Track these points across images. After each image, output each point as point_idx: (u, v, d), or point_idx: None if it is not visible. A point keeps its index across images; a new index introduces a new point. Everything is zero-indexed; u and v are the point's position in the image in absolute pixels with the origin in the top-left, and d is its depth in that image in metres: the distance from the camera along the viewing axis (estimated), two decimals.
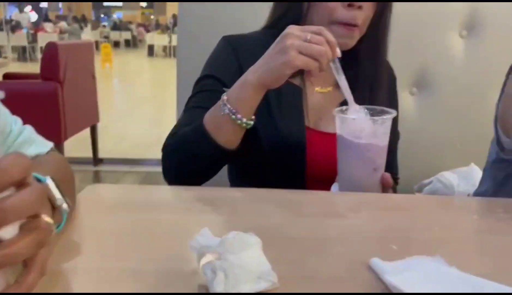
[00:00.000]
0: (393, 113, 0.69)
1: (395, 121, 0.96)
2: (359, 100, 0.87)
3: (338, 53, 0.68)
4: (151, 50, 15.63)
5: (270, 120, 0.84)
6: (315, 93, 0.88)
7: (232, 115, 0.70)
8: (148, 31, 19.22)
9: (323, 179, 0.81)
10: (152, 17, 25.20)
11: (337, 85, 0.89)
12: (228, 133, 0.72)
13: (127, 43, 18.87)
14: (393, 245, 0.49)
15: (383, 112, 0.71)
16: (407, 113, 1.33)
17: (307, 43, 0.65)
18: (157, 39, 16.02)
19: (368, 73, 0.87)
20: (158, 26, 19.90)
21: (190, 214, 0.58)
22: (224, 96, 0.71)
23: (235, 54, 0.83)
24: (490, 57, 1.29)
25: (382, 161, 0.71)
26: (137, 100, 6.81)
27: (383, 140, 0.70)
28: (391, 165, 0.97)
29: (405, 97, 1.33)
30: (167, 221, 0.55)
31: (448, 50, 1.31)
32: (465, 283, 0.41)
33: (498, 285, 0.40)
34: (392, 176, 0.96)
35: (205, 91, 0.82)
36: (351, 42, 0.82)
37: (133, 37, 19.35)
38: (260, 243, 0.42)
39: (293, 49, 0.65)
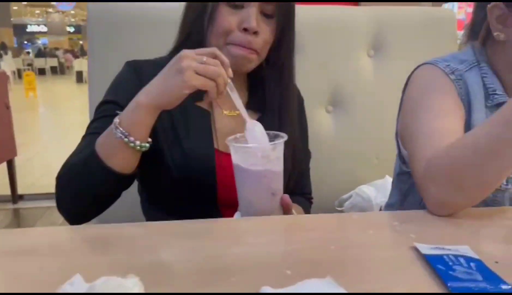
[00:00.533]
0: (285, 137, 0.70)
1: (305, 141, 0.99)
2: (268, 124, 0.88)
3: (230, 73, 0.69)
4: (79, 76, 15.03)
5: (177, 145, 0.82)
6: (224, 116, 0.87)
7: (125, 138, 0.67)
8: (76, 57, 18.52)
9: (236, 203, 0.80)
10: (80, 42, 24.37)
11: (246, 107, 0.90)
12: (122, 158, 0.69)
13: (54, 70, 18.03)
14: (287, 270, 0.48)
15: (276, 137, 0.72)
16: (324, 130, 1.37)
17: (203, 65, 0.66)
18: (86, 65, 15.41)
19: (275, 97, 0.88)
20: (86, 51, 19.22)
21: (79, 256, 0.54)
22: (116, 120, 0.68)
23: (138, 79, 0.81)
24: (395, 74, 1.36)
25: (279, 185, 0.72)
26: (65, 129, 6.47)
27: (278, 165, 0.71)
28: (304, 185, 0.98)
29: (321, 115, 1.37)
30: (49, 266, 0.50)
31: (358, 69, 1.38)
32: None
33: None
34: (305, 196, 0.98)
35: (104, 117, 0.78)
36: (249, 65, 0.83)
37: (60, 63, 18.54)
38: (141, 287, 0.39)
39: (190, 69, 0.64)
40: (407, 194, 0.92)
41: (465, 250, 0.54)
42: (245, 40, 0.79)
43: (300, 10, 1.41)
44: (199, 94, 0.79)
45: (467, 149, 0.62)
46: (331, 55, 1.36)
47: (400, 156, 0.93)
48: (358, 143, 1.38)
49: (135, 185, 0.92)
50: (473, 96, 0.80)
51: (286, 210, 0.72)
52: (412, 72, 0.88)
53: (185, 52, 0.67)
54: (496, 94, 0.79)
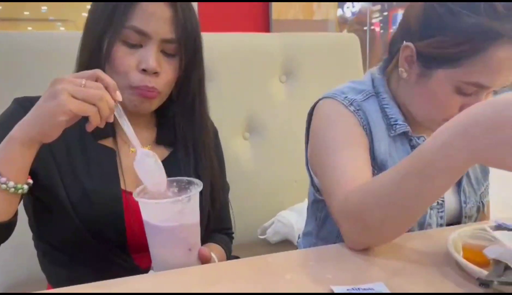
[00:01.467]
0: (200, 186, 0.65)
1: (222, 174, 0.96)
2: (181, 159, 0.84)
3: (118, 96, 0.63)
4: None
5: (79, 188, 0.74)
6: (132, 154, 0.81)
7: None
8: None
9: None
10: None
11: (156, 143, 0.85)
12: None
13: None
14: None
15: (190, 184, 0.67)
16: (242, 158, 1.35)
17: (81, 87, 0.60)
18: None
19: (188, 132, 0.84)
20: None
21: None
22: None
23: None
24: (307, 98, 1.38)
25: (196, 238, 0.67)
26: None
27: (193, 217, 0.66)
28: (224, 220, 0.95)
29: (239, 143, 1.35)
30: None
31: (271, 94, 1.39)
32: None
33: None
34: (225, 232, 0.95)
35: None
36: (151, 107, 0.79)
37: None
38: None
39: (65, 93, 0.58)
40: (324, 221, 0.92)
41: (380, 287, 0.54)
42: (144, 81, 0.74)
43: (211, 37, 1.40)
44: (101, 131, 0.73)
45: (377, 197, 0.61)
46: (245, 82, 1.35)
47: (313, 184, 0.93)
48: (277, 168, 1.38)
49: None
50: (373, 125, 0.81)
51: (204, 263, 0.68)
52: (314, 106, 0.89)
53: (61, 76, 0.60)
54: (397, 124, 0.82)
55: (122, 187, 0.78)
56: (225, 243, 0.89)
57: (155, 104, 0.79)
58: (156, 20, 0.73)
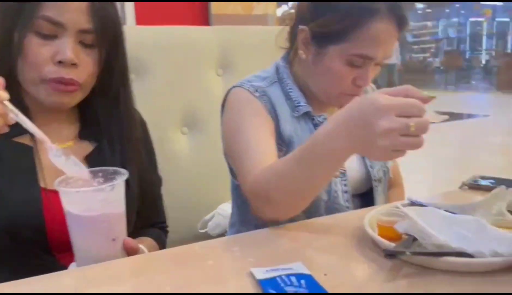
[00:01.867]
0: (125, 175, 0.64)
1: (153, 167, 0.94)
2: (108, 153, 0.81)
3: (4, 96, 0.59)
4: None
5: None
6: None
7: None
8: None
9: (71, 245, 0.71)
10: None
11: (79, 138, 0.82)
12: None
13: None
14: None
15: (116, 173, 0.65)
16: (181, 152, 1.34)
17: None
18: None
19: (113, 125, 0.82)
20: None
21: None
22: None
23: None
24: None
25: (121, 229, 0.66)
26: None
27: (118, 207, 0.64)
28: (157, 215, 0.93)
29: (177, 138, 1.34)
30: None
31: (209, 89, 1.38)
32: None
33: None
34: (159, 226, 0.94)
35: None
36: (71, 101, 0.76)
37: None
38: None
39: None
40: (243, 206, 0.96)
41: (298, 266, 0.55)
42: (59, 73, 0.71)
43: (147, 31, 1.38)
44: (15, 129, 0.69)
45: (280, 177, 0.69)
46: (181, 76, 1.34)
47: (231, 172, 0.97)
48: (216, 163, 1.37)
49: None
50: (278, 109, 0.88)
51: (131, 254, 0.66)
52: (225, 96, 0.94)
53: None
54: (300, 106, 0.89)
55: (42, 185, 0.74)
56: (156, 236, 0.88)
57: (77, 98, 0.76)
58: (71, 9, 0.70)
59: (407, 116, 0.55)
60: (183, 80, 1.34)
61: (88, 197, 0.62)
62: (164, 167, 1.26)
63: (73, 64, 0.72)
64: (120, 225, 0.66)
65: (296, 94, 0.90)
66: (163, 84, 1.31)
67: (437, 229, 0.56)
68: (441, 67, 14.30)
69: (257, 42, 1.46)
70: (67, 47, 0.70)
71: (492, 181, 0.88)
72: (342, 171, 0.89)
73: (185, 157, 1.34)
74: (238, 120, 0.86)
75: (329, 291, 0.49)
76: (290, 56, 0.94)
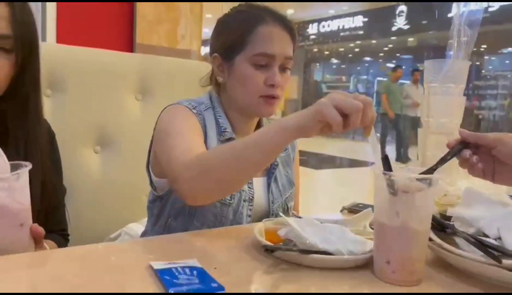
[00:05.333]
0: (29, 166, 0.68)
1: (58, 176, 0.97)
2: (13, 158, 0.83)
3: None
4: None
5: None
6: None
7: None
8: None
9: None
10: None
11: None
12: None
13: None
14: None
15: (19, 166, 0.69)
16: (92, 170, 1.36)
17: None
18: None
19: (20, 131, 0.85)
20: None
21: None
22: None
23: None
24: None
25: (27, 216, 0.69)
26: None
27: (24, 195, 0.68)
28: (59, 221, 0.96)
29: (89, 155, 1.36)
30: None
31: (127, 111, 1.43)
32: None
33: None
34: (60, 233, 0.96)
35: None
36: None
37: None
38: None
39: None
40: (158, 217, 1.03)
41: (193, 262, 0.63)
42: None
43: (69, 49, 1.41)
44: None
45: (220, 152, 0.79)
46: (100, 97, 1.38)
47: (151, 184, 1.03)
48: (127, 183, 1.41)
49: None
50: (208, 129, 0.99)
51: (38, 241, 0.70)
52: (160, 113, 1.02)
53: None
54: (226, 131, 1.00)
55: None
56: (58, 241, 0.90)
57: None
58: None
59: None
60: (101, 101, 1.38)
61: None
62: (74, 182, 1.28)
63: None
64: (27, 213, 0.69)
65: (224, 121, 1.01)
66: (80, 103, 1.34)
67: (310, 234, 0.68)
68: None
69: (178, 72, 1.56)
70: None
71: (364, 206, 1.05)
72: (251, 197, 1.00)
73: (95, 175, 1.36)
74: (174, 122, 0.94)
75: (217, 280, 0.58)
76: (216, 89, 1.06)
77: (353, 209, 1.03)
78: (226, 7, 1.12)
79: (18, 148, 0.83)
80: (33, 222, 0.71)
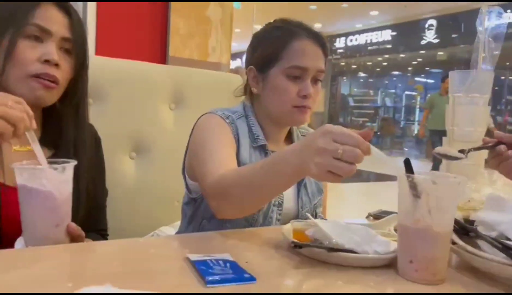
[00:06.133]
0: (74, 162, 0.75)
1: (102, 179, 1.05)
2: (63, 158, 0.91)
3: (34, 125, 0.72)
4: None
5: None
6: (13, 153, 0.87)
7: None
8: None
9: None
10: None
11: (40, 144, 0.91)
12: None
13: None
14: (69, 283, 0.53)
15: (66, 162, 0.75)
16: (128, 175, 1.43)
17: (7, 108, 0.67)
18: None
19: (71, 133, 0.92)
20: None
21: None
22: None
23: None
24: (192, 125, 1.56)
25: (66, 209, 0.75)
26: None
27: (66, 188, 0.74)
28: (100, 221, 1.03)
29: (125, 161, 1.44)
30: None
31: (161, 120, 1.51)
32: None
33: None
34: (100, 233, 1.03)
35: None
36: (50, 98, 0.88)
37: None
38: None
39: None
40: (191, 218, 1.08)
41: (226, 256, 0.68)
42: (45, 69, 0.84)
43: (108, 61, 1.50)
44: None
45: (239, 178, 0.81)
46: (136, 106, 1.46)
47: (187, 187, 1.09)
48: (160, 188, 1.48)
49: None
50: (241, 137, 1.04)
51: (75, 239, 0.76)
52: (197, 121, 1.08)
53: None
54: (258, 139, 1.06)
55: (1, 180, 0.83)
56: (97, 240, 0.97)
57: (54, 96, 0.88)
58: (55, 21, 0.86)
59: (341, 142, 0.64)
60: (136, 110, 1.46)
61: (41, 174, 0.72)
62: (110, 186, 1.36)
63: (56, 65, 0.85)
64: (66, 206, 0.75)
65: (256, 129, 1.07)
66: (118, 111, 1.43)
67: (336, 234, 0.71)
68: (378, 132, 15.37)
69: (209, 83, 1.63)
70: (52, 48, 0.85)
71: (388, 213, 1.07)
72: (280, 202, 1.05)
73: (131, 179, 1.44)
74: (207, 134, 1.01)
75: (248, 271, 0.62)
76: (250, 100, 1.13)
77: (379, 216, 1.06)
78: (257, 22, 1.18)
79: (68, 149, 0.91)
80: (77, 220, 0.78)
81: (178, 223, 1.48)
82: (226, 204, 0.83)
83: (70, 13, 0.89)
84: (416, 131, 16.21)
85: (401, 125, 16.80)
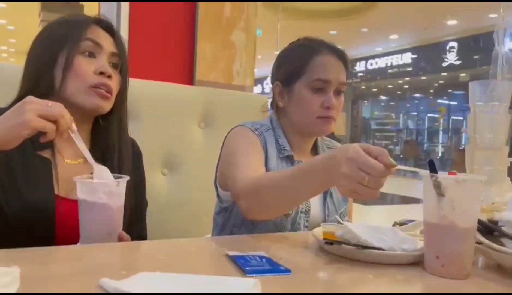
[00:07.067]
0: (127, 177, 0.82)
1: (142, 190, 1.12)
2: (109, 169, 0.99)
3: (74, 128, 0.79)
4: None
5: (15, 192, 0.86)
6: (66, 165, 0.95)
7: None
8: None
9: (74, 243, 0.86)
10: None
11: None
12: None
13: None
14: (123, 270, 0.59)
15: (119, 177, 0.83)
16: (160, 190, 1.50)
17: (47, 107, 0.74)
18: None
19: (115, 145, 1.00)
20: None
21: None
22: None
23: None
24: (220, 144, 1.63)
25: (119, 219, 0.82)
26: None
27: (120, 200, 0.82)
28: (141, 229, 1.09)
29: (157, 177, 1.51)
30: None
31: (191, 138, 1.59)
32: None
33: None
34: (142, 238, 1.09)
35: None
36: (106, 106, 0.96)
37: None
38: None
39: (32, 111, 0.72)
40: (223, 226, 1.14)
41: (262, 253, 0.73)
42: (102, 80, 0.93)
43: (142, 83, 1.60)
44: (41, 144, 0.86)
45: (270, 181, 0.89)
46: (167, 125, 1.55)
47: (218, 197, 1.15)
48: (190, 203, 1.55)
49: None
50: (269, 147, 1.11)
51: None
52: (227, 133, 1.16)
53: (31, 97, 0.75)
54: (285, 149, 1.13)
55: (56, 192, 0.91)
56: None
57: (109, 105, 0.97)
58: (103, 37, 0.97)
59: (366, 171, 0.69)
60: (168, 129, 1.55)
61: (99, 188, 0.79)
62: None
63: (109, 76, 0.94)
64: (119, 216, 0.82)
65: (283, 141, 1.14)
66: (151, 130, 1.51)
67: (365, 234, 0.76)
68: (401, 155, 15.21)
69: (236, 103, 1.71)
70: (105, 62, 0.95)
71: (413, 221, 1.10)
72: (308, 209, 1.10)
73: (163, 194, 1.51)
74: (238, 144, 1.09)
75: (282, 265, 0.67)
76: (276, 114, 1.20)
77: (405, 224, 1.09)
78: (280, 47, 1.27)
79: (113, 161, 0.98)
80: (123, 229, 0.84)
81: (207, 236, 1.54)
82: (256, 205, 0.89)
83: (114, 33, 0.99)
84: (440, 154, 15.96)
85: (425, 148, 16.57)
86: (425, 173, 0.69)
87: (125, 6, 2.19)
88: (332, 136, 1.60)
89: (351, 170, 0.70)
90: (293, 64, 1.12)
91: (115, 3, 2.19)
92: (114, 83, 0.96)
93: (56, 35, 0.95)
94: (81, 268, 0.63)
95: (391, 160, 0.70)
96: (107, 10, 2.22)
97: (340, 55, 1.11)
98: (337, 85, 1.09)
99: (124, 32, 2.19)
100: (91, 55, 0.95)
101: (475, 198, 0.68)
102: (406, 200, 7.97)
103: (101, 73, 0.93)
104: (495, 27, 1.07)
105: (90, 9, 4.51)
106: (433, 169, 0.69)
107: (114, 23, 1.04)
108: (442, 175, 0.68)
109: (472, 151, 1.08)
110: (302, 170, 0.84)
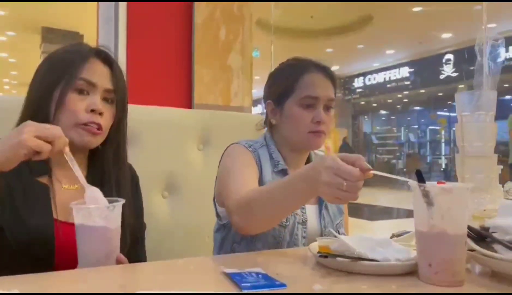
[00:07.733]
0: (122, 201, 0.84)
1: (140, 213, 1.14)
2: (108, 196, 1.01)
3: (67, 150, 0.82)
4: None
5: (16, 217, 0.88)
6: (64, 190, 0.97)
7: None
8: None
9: (73, 266, 0.87)
10: None
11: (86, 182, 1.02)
12: None
13: None
14: None
15: (115, 201, 0.85)
16: (161, 213, 1.52)
17: (45, 129, 0.77)
18: None
19: (112, 173, 1.02)
20: None
21: None
22: None
23: None
24: None
25: (115, 242, 0.84)
26: None
27: (115, 223, 0.83)
28: (140, 253, 1.11)
29: (158, 200, 1.53)
30: None
31: (190, 160, 1.61)
32: None
33: None
34: (142, 261, 1.10)
35: None
36: (96, 142, 0.98)
37: None
38: None
39: (29, 132, 0.75)
40: (222, 243, 1.15)
41: (258, 270, 0.74)
42: (92, 118, 0.95)
43: (141, 109, 1.64)
44: (38, 169, 0.89)
45: (260, 195, 0.92)
46: (167, 148, 1.57)
47: (217, 215, 1.18)
48: (191, 225, 1.56)
49: None
50: (263, 163, 1.15)
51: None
52: (224, 151, 1.20)
53: (30, 121, 0.79)
54: (279, 164, 1.17)
55: (55, 216, 0.93)
56: None
57: (99, 140, 0.99)
58: (99, 74, 0.99)
59: (343, 177, 0.76)
60: (168, 152, 1.57)
61: (95, 212, 0.81)
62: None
63: (100, 113, 0.96)
64: (116, 238, 0.84)
65: (277, 155, 1.18)
66: (151, 154, 1.54)
67: (359, 246, 0.77)
68: (404, 169, 15.18)
69: (233, 123, 1.74)
70: (97, 100, 0.97)
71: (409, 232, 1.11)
72: (305, 220, 1.14)
73: (164, 216, 1.52)
74: (233, 162, 1.13)
75: (278, 280, 0.68)
76: (270, 131, 1.25)
77: (400, 235, 1.10)
78: (275, 66, 1.31)
79: (111, 187, 1.01)
80: (122, 252, 0.86)
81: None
82: (247, 219, 0.92)
83: (112, 66, 1.01)
84: (444, 166, 15.90)
85: (428, 160, 16.53)
86: (413, 183, 0.71)
87: (122, 31, 2.25)
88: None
89: (330, 177, 0.76)
90: (284, 83, 1.17)
91: (112, 36, 2.25)
92: (106, 120, 0.99)
93: (53, 70, 0.98)
94: (81, 290, 0.65)
95: (367, 164, 0.77)
96: (105, 39, 2.28)
97: (327, 72, 1.16)
98: (326, 101, 1.14)
99: (122, 62, 2.24)
100: (84, 92, 0.97)
101: (463, 205, 0.70)
102: (412, 214, 7.92)
103: (92, 110, 0.96)
104: (477, 40, 1.10)
105: (89, 39, 4.60)
106: (421, 179, 0.71)
107: (112, 50, 1.06)
108: (430, 184, 0.69)
109: (462, 160, 1.10)
110: (286, 181, 0.89)
